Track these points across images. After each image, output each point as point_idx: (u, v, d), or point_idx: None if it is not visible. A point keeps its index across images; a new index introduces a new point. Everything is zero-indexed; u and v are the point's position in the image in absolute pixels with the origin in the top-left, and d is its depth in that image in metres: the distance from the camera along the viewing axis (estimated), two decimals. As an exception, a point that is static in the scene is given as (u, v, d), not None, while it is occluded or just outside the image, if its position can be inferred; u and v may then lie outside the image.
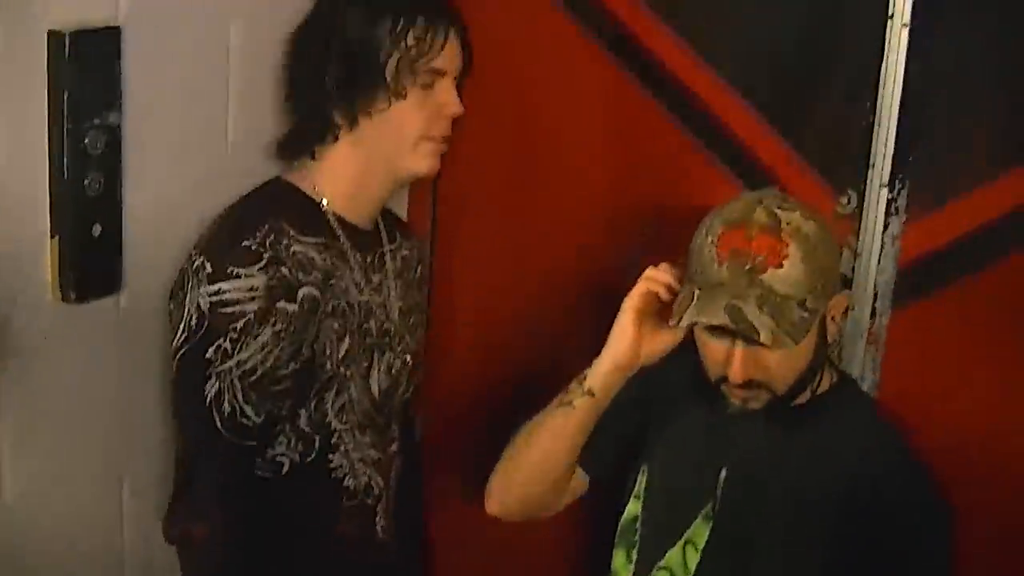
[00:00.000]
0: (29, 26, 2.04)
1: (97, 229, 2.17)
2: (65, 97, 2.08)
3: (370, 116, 2.21)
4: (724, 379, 2.03)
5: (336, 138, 2.23)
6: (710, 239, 2.00)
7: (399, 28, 2.18)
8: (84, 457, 2.29)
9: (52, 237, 2.14)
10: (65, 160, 2.10)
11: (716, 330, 1.99)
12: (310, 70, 2.24)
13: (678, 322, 1.98)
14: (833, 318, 2.07)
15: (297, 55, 2.29)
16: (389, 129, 2.22)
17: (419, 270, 2.50)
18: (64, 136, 2.10)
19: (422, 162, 2.27)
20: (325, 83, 2.20)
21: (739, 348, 1.99)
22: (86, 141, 2.11)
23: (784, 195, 2.10)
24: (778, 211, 1.99)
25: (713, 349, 2.04)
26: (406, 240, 2.47)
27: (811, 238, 1.98)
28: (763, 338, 1.91)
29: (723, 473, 2.14)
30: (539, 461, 2.25)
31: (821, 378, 2.12)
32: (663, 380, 2.25)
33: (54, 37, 2.06)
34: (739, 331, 1.93)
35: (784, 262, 1.95)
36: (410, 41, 2.18)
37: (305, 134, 2.27)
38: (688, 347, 2.15)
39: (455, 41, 2.25)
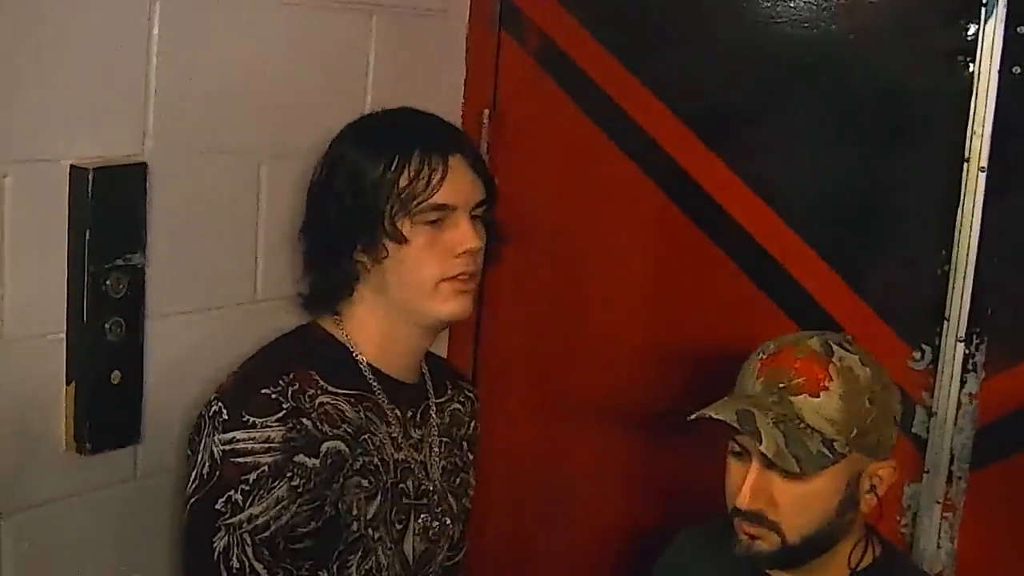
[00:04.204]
0: (50, 160, 2.02)
1: (116, 376, 2.13)
2: (87, 236, 2.05)
3: (380, 263, 2.10)
4: (737, 511, 1.95)
5: (353, 290, 2.14)
6: (760, 356, 1.96)
7: (394, 167, 2.07)
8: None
9: (68, 384, 2.09)
10: (85, 302, 2.07)
11: (740, 454, 1.94)
12: (318, 222, 2.15)
13: (690, 418, 1.92)
14: (873, 487, 1.94)
15: (308, 207, 2.20)
16: (403, 274, 2.10)
17: (472, 426, 2.36)
18: (85, 277, 2.06)
19: (445, 306, 2.11)
20: (332, 234, 2.11)
21: (753, 470, 1.91)
22: (107, 283, 2.08)
23: (852, 339, 2.00)
24: (835, 346, 1.92)
25: (733, 473, 1.96)
26: (459, 393, 2.35)
27: (860, 382, 1.89)
28: (764, 446, 1.83)
29: None
30: None
31: (864, 553, 1.99)
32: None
33: (76, 172, 2.03)
34: (743, 432, 1.86)
35: (822, 393, 1.87)
36: (403, 182, 2.06)
37: (324, 289, 2.17)
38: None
39: (462, 170, 2.11)
